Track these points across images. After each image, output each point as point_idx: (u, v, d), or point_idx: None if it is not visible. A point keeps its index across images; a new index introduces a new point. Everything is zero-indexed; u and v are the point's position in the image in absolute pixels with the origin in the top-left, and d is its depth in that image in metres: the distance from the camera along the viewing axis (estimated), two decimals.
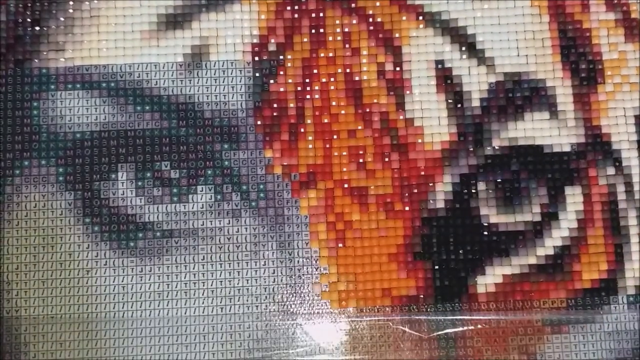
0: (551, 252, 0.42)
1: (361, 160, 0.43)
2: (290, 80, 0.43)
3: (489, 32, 0.44)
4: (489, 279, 0.42)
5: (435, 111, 0.43)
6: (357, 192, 0.42)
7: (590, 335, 0.41)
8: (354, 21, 0.44)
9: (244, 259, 0.41)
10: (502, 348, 0.41)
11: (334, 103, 0.43)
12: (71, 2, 0.44)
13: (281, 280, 0.41)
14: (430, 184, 0.43)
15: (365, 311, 0.41)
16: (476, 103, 0.43)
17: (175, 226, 0.41)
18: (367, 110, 0.43)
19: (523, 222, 0.42)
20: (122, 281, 0.41)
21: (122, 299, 0.41)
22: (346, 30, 0.44)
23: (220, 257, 0.41)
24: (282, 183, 0.42)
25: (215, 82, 0.43)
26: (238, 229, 0.42)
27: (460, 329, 0.41)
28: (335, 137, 0.43)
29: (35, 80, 0.43)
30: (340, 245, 0.42)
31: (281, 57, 0.43)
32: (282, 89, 0.43)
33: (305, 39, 0.44)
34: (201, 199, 0.42)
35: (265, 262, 0.41)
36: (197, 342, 0.40)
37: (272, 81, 0.43)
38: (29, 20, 0.43)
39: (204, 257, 0.41)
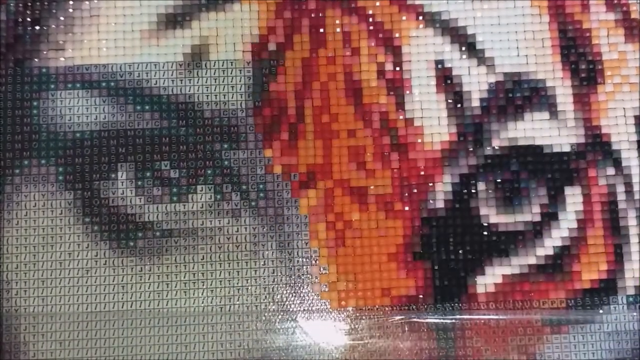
0: (551, 252, 0.42)
1: (361, 160, 0.43)
2: (290, 80, 0.43)
3: (489, 32, 0.44)
4: (489, 279, 0.42)
5: (435, 111, 0.43)
6: (357, 192, 0.42)
7: (589, 335, 0.41)
8: (354, 21, 0.44)
9: (243, 259, 0.41)
10: (501, 348, 0.41)
11: (333, 103, 0.43)
12: (71, 2, 0.44)
13: (281, 280, 0.41)
14: (430, 184, 0.43)
15: (365, 311, 0.41)
16: (476, 103, 0.43)
17: (175, 226, 0.41)
18: (367, 110, 0.43)
19: (523, 222, 0.42)
20: (122, 280, 0.41)
21: (122, 298, 0.41)
22: (346, 30, 0.44)
23: (220, 256, 0.41)
24: (282, 183, 0.42)
25: (215, 81, 0.43)
26: (238, 228, 0.42)
27: (460, 329, 0.41)
28: (335, 137, 0.43)
29: (35, 80, 0.43)
30: (340, 245, 0.42)
31: (281, 56, 0.43)
32: (282, 89, 0.43)
33: (305, 39, 0.44)
34: (201, 199, 0.42)
35: (264, 261, 0.41)
36: (197, 342, 0.40)
37: (272, 81, 0.43)
38: (29, 19, 0.43)
39: (203, 256, 0.41)
